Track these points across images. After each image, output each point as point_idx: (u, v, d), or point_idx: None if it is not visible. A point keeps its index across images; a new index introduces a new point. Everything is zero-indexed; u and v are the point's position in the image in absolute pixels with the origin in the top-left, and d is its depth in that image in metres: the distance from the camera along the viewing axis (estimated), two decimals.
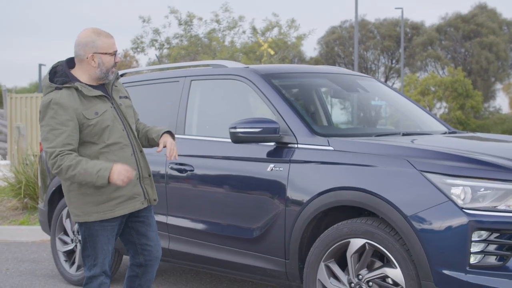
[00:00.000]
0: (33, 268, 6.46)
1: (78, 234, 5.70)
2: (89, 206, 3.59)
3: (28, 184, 8.93)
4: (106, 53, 3.59)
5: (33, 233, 8.13)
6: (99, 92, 3.61)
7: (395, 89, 5.79)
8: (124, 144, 3.66)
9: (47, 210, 6.00)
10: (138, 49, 23.40)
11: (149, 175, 3.81)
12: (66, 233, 5.85)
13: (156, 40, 23.03)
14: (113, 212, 3.62)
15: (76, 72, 3.63)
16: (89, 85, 3.61)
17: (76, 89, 3.55)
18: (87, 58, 3.57)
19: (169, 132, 3.89)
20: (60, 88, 3.54)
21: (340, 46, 53.95)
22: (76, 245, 5.73)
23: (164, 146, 3.80)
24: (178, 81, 5.24)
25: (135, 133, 3.78)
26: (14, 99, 15.97)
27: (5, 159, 21.01)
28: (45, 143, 3.51)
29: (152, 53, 24.41)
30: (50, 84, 3.57)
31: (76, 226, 5.70)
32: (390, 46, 52.65)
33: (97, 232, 3.64)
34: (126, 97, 3.82)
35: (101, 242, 3.66)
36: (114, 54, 3.62)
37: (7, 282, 5.90)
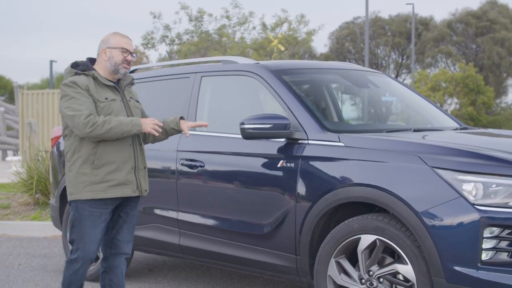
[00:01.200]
0: (45, 263, 6.49)
1: None
2: (84, 185, 3.90)
3: (39, 180, 8.98)
4: (115, 48, 4.01)
5: (44, 228, 8.18)
6: (112, 83, 4.05)
7: (406, 85, 5.77)
8: None
9: (59, 205, 6.03)
10: (149, 45, 23.38)
11: (145, 167, 4.12)
12: None
13: (166, 36, 23.01)
14: (105, 193, 3.90)
15: (96, 66, 4.09)
16: (105, 77, 4.05)
17: (93, 76, 3.99)
18: (101, 52, 4.06)
19: (182, 118, 4.23)
20: (79, 74, 3.99)
21: (351, 42, 53.77)
22: None
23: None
24: (188, 77, 5.24)
25: None
26: (26, 95, 16.03)
27: (17, 155, 21.14)
28: (71, 112, 3.85)
29: (163, 49, 24.42)
30: (71, 69, 4.03)
31: None
32: (400, 42, 52.43)
33: (84, 216, 3.91)
34: (136, 101, 4.21)
35: (87, 226, 3.91)
36: (123, 50, 4.02)
37: (19, 277, 5.94)
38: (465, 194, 3.54)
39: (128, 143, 3.99)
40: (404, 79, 53.12)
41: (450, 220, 3.54)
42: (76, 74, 3.98)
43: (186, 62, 5.84)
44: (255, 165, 4.51)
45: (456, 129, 5.08)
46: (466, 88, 42.31)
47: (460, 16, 51.96)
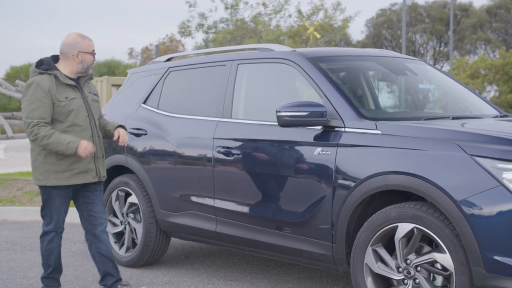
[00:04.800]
0: (84, 249, 6.59)
1: (128, 216, 5.80)
2: (50, 173, 4.45)
3: None
4: (87, 52, 4.51)
5: None
6: (72, 82, 4.50)
7: (445, 72, 5.68)
8: (85, 127, 4.52)
9: None
10: (185, 33, 23.46)
11: (102, 156, 4.69)
12: (115, 215, 5.96)
13: (202, 25, 23.06)
14: (68, 180, 4.49)
15: (59, 65, 4.52)
16: (67, 76, 4.49)
17: (55, 76, 4.44)
18: (72, 55, 4.48)
19: (121, 126, 4.80)
20: (43, 74, 4.43)
21: (388, 29, 53.14)
22: (125, 227, 5.83)
23: (119, 136, 4.73)
24: (225, 65, 5.25)
25: (97, 122, 4.64)
26: None
27: None
28: (25, 117, 4.35)
29: (199, 37, 24.49)
30: (35, 69, 4.47)
31: (125, 208, 5.81)
32: (439, 29, 51.63)
33: (53, 197, 4.52)
34: (95, 94, 4.73)
35: (56, 204, 4.54)
36: (92, 53, 4.54)
37: None
38: (505, 182, 3.48)
39: (88, 136, 4.51)
40: (442, 66, 52.34)
41: (490, 209, 3.49)
42: (40, 73, 4.42)
43: (222, 50, 5.84)
44: (291, 152, 4.50)
45: (496, 116, 4.99)
46: (506, 76, 41.49)
47: (500, 1, 50.88)
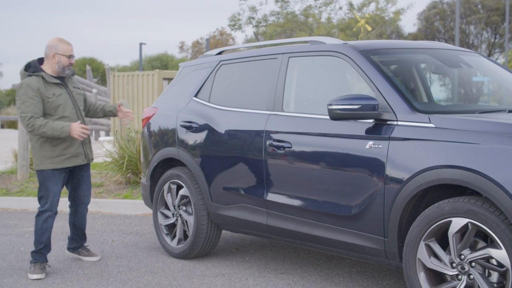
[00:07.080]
0: (137, 240, 6.71)
1: (179, 209, 5.87)
2: (46, 158, 5.31)
3: (130, 160, 9.25)
4: (63, 55, 5.33)
5: (136, 206, 8.44)
6: (57, 80, 5.35)
7: (500, 64, 5.54)
8: (72, 118, 5.40)
9: (149, 184, 6.20)
10: (235, 26, 23.52)
11: (89, 141, 5.58)
12: (167, 207, 6.03)
13: (253, 18, 23.07)
14: (62, 164, 5.35)
15: (44, 66, 5.37)
16: (52, 76, 5.34)
17: (42, 77, 5.27)
18: (50, 56, 5.32)
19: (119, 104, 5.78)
20: (31, 75, 5.26)
21: (441, 20, 52.18)
22: (177, 219, 5.90)
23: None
24: (276, 58, 5.24)
25: (82, 112, 5.55)
26: (117, 77, 16.49)
27: (109, 135, 21.85)
28: (19, 111, 5.17)
29: (249, 30, 24.55)
30: (24, 72, 5.30)
31: (177, 201, 5.87)
32: (494, 20, 50.41)
33: (48, 178, 5.32)
34: (78, 88, 5.59)
35: (51, 184, 5.32)
36: (69, 56, 5.35)
37: (113, 252, 6.16)
38: None
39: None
40: (496, 59, 51.15)
41: None
42: (28, 76, 5.25)
43: (273, 43, 5.83)
44: (343, 146, 4.47)
45: None
46: None
47: None
